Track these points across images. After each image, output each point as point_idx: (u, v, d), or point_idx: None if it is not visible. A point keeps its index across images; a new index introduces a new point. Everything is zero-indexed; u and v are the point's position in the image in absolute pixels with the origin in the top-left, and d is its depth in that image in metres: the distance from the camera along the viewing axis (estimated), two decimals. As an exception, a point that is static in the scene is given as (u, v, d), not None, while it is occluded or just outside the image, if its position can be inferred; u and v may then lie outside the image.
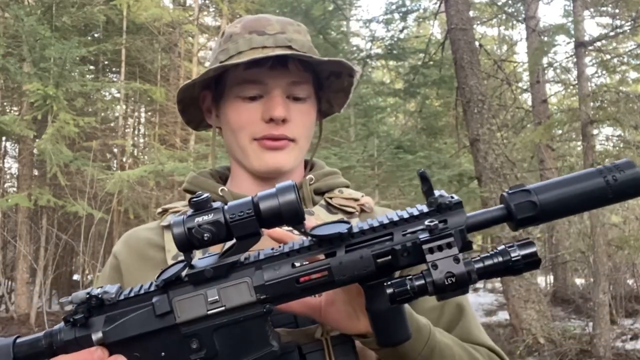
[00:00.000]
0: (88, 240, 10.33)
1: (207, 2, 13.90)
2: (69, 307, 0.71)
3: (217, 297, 0.67)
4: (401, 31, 9.35)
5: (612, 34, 9.88)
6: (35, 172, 11.54)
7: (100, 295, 0.68)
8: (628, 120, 7.60)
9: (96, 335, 0.68)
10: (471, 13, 9.51)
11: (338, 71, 1.02)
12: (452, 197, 0.66)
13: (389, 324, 0.69)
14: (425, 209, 0.66)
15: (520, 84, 12.76)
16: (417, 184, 7.37)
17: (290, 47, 0.96)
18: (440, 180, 7.36)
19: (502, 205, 0.66)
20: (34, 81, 8.97)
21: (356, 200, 1.02)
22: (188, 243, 0.66)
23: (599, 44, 9.81)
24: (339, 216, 1.00)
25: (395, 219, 0.66)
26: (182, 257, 0.92)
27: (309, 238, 0.68)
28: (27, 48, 9.52)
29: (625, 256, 9.47)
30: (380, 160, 7.72)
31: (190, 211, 0.67)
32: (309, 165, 1.10)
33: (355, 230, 0.66)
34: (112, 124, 13.76)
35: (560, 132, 11.04)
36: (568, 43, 11.82)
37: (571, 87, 12.19)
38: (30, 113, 9.44)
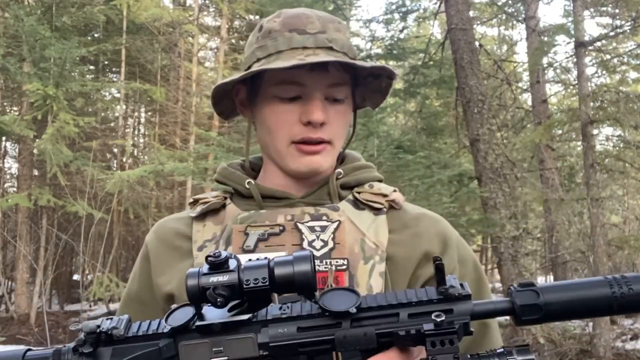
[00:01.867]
0: (88, 240, 10.34)
1: (207, 2, 13.90)
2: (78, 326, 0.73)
3: (221, 348, 0.69)
4: (401, 31, 9.34)
5: (612, 34, 9.88)
6: (35, 172, 11.54)
7: (109, 331, 0.71)
8: (628, 120, 7.60)
9: None
10: (471, 13, 9.52)
11: (377, 73, 1.01)
12: (462, 288, 0.68)
13: None
14: (434, 295, 0.68)
15: (520, 84, 12.76)
16: (417, 184, 7.37)
17: (331, 48, 0.96)
18: (440, 180, 7.36)
19: (508, 299, 0.68)
20: (34, 81, 8.97)
21: (385, 196, 1.00)
22: (199, 298, 0.68)
23: (599, 44, 9.80)
24: (366, 212, 0.98)
25: (404, 300, 0.68)
26: (206, 252, 0.95)
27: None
28: (27, 48, 9.53)
29: (625, 256, 9.47)
30: (380, 160, 7.71)
31: (206, 267, 0.69)
32: (339, 158, 1.08)
33: (363, 305, 0.68)
34: (112, 124, 13.76)
35: (560, 132, 11.03)
36: (568, 43, 11.82)
37: (571, 87, 12.19)
38: (30, 113, 9.44)
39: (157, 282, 1.01)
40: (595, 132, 8.55)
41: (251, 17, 12.72)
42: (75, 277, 13.30)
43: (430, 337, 0.63)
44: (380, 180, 1.06)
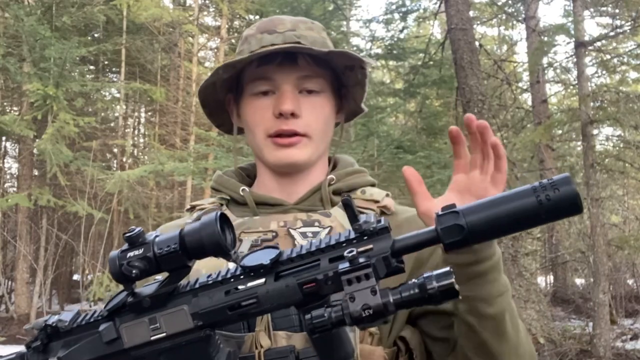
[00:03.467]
0: (88, 240, 10.34)
1: (207, 2, 13.90)
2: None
3: (158, 325, 0.71)
4: (401, 31, 9.35)
5: (612, 34, 9.88)
6: (35, 172, 11.54)
7: (55, 324, 0.74)
8: (628, 120, 7.60)
9: None
10: (471, 13, 9.51)
11: (350, 64, 1.02)
12: (378, 222, 0.65)
13: (328, 344, 0.70)
14: (352, 234, 0.66)
15: (520, 84, 12.75)
16: (417, 184, 7.37)
17: (299, 43, 0.97)
18: (441, 180, 7.36)
19: (432, 228, 0.65)
20: (34, 81, 8.97)
21: (376, 202, 1.02)
22: (122, 277, 0.69)
23: (599, 44, 9.80)
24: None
25: (323, 245, 0.67)
26: (202, 259, 0.97)
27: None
28: (27, 48, 9.53)
29: (625, 256, 9.47)
30: (380, 160, 7.72)
31: (125, 245, 0.70)
32: (332, 163, 1.10)
33: (284, 257, 0.68)
34: (112, 124, 13.76)
35: (560, 132, 11.03)
36: (568, 43, 11.82)
37: (571, 87, 12.19)
38: (30, 113, 9.44)
39: None
40: (595, 132, 8.55)
41: (251, 17, 12.72)
42: (75, 277, 13.31)
43: (344, 275, 0.61)
44: (373, 185, 1.07)
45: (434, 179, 7.23)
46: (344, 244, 0.66)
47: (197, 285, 0.72)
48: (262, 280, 0.67)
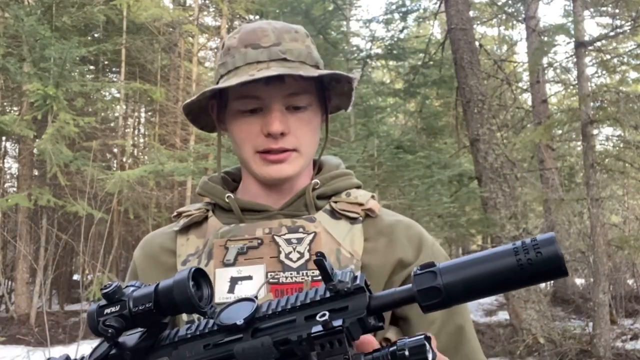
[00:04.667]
0: (88, 240, 10.33)
1: (207, 2, 13.90)
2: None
3: None
4: (401, 31, 9.34)
5: (612, 34, 9.88)
6: (35, 172, 11.54)
7: None
8: (628, 120, 7.60)
9: None
10: (471, 13, 9.52)
11: (337, 77, 1.02)
12: (354, 279, 0.64)
13: None
14: (327, 293, 0.65)
15: (520, 84, 12.76)
16: (417, 184, 7.37)
17: (285, 60, 0.97)
18: (440, 180, 7.36)
19: (409, 287, 0.63)
20: (34, 81, 8.97)
21: (361, 205, 1.02)
22: (100, 334, 0.71)
23: (599, 44, 9.80)
24: (342, 222, 1.01)
25: (298, 303, 0.67)
26: (190, 262, 1.00)
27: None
28: (27, 48, 9.52)
29: (625, 256, 9.47)
30: (380, 160, 7.72)
31: (103, 301, 0.72)
32: (317, 166, 1.10)
33: (260, 313, 0.68)
34: (112, 124, 13.76)
35: (560, 132, 11.03)
36: (568, 43, 11.83)
37: (571, 87, 12.19)
38: (30, 113, 9.44)
39: None
40: (595, 132, 8.55)
41: (251, 17, 12.72)
42: (75, 277, 13.30)
43: (317, 339, 0.61)
44: (359, 187, 1.07)
45: (434, 179, 7.23)
46: (320, 303, 0.65)
47: (176, 339, 0.72)
48: (239, 336, 0.68)
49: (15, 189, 11.92)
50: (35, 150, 10.42)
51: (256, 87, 0.97)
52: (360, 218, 1.01)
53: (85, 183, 9.89)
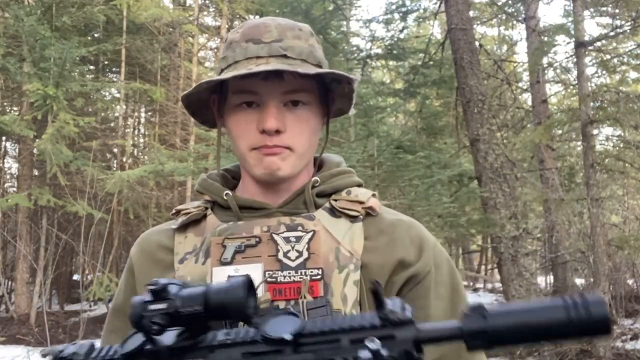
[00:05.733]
0: (88, 240, 10.33)
1: (207, 2, 13.90)
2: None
3: None
4: (401, 31, 9.35)
5: (612, 34, 9.88)
6: (35, 172, 11.54)
7: (69, 357, 0.74)
8: (628, 120, 7.60)
9: None
10: (471, 13, 9.51)
11: (338, 78, 1.01)
12: (404, 310, 0.65)
13: None
14: (376, 320, 0.66)
15: (520, 84, 12.76)
16: (417, 184, 7.37)
17: (285, 56, 0.96)
18: (440, 180, 7.36)
19: (457, 325, 0.65)
20: (34, 81, 8.96)
21: (362, 203, 1.01)
22: (141, 328, 0.71)
23: (599, 44, 9.81)
24: (342, 220, 1.00)
25: (346, 326, 0.67)
26: (187, 265, 0.99)
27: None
28: (27, 48, 9.52)
29: (625, 256, 9.46)
30: (380, 160, 7.72)
31: (149, 296, 0.71)
32: (317, 164, 1.09)
33: (305, 331, 0.68)
34: (112, 124, 13.76)
35: (560, 132, 11.03)
36: (568, 43, 11.83)
37: (571, 87, 12.19)
38: (30, 113, 9.44)
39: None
40: (595, 132, 8.56)
41: (251, 17, 12.72)
42: (75, 277, 13.30)
43: None
44: (360, 185, 1.06)
45: (434, 179, 7.23)
46: (367, 328, 0.66)
47: (214, 342, 0.72)
48: (281, 348, 0.68)
49: (15, 189, 11.92)
50: (35, 150, 10.42)
51: (254, 82, 0.96)
52: (361, 216, 1.00)
53: (85, 183, 9.90)
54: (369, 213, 1.01)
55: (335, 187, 1.04)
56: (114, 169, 12.06)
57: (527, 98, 12.96)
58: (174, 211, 1.08)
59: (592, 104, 7.75)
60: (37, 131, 9.78)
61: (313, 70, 0.96)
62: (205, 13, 14.04)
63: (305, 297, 0.91)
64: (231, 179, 1.11)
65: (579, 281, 11.99)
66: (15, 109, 12.21)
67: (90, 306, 10.95)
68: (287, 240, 0.96)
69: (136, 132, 15.12)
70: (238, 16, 13.06)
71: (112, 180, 9.30)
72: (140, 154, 14.39)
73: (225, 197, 1.03)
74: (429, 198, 7.22)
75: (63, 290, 12.57)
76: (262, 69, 0.92)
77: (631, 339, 8.09)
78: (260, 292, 0.93)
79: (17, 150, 12.48)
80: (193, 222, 1.04)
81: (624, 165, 8.94)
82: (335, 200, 1.02)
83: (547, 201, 9.28)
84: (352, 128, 8.27)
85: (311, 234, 0.96)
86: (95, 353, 0.75)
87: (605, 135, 10.69)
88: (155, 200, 11.78)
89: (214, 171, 1.12)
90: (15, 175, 12.72)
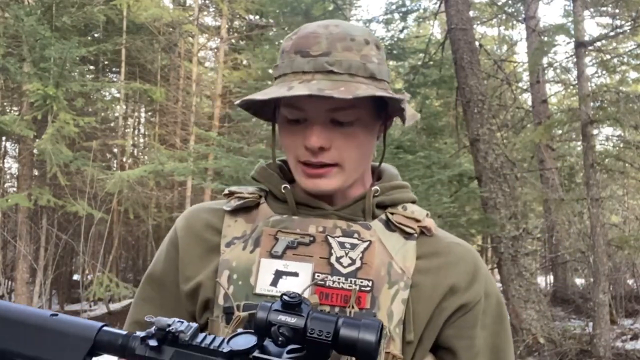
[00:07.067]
0: (88, 240, 10.34)
1: (207, 2, 13.90)
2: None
3: None
4: (401, 31, 9.34)
5: (612, 34, 9.87)
6: (35, 172, 11.54)
7: (177, 333, 0.73)
8: (628, 120, 7.60)
9: None
10: (471, 13, 9.51)
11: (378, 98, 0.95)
12: None
13: None
14: None
15: (520, 84, 12.76)
16: (417, 184, 7.37)
17: (331, 72, 0.91)
18: (440, 180, 7.35)
19: None
20: (34, 81, 8.96)
21: (418, 221, 0.99)
22: (265, 333, 0.71)
23: (599, 44, 9.80)
24: (396, 235, 0.97)
25: None
26: (233, 249, 0.98)
27: None
28: (27, 48, 9.52)
29: (625, 256, 9.47)
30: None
31: (279, 303, 0.72)
32: (376, 173, 1.05)
33: None
34: (112, 124, 13.76)
35: (560, 132, 11.03)
36: (568, 43, 11.83)
37: (571, 87, 12.19)
38: (30, 113, 9.44)
39: (184, 274, 1.01)
40: (595, 132, 8.55)
41: (251, 17, 12.72)
42: (75, 277, 13.30)
43: None
44: (414, 202, 1.04)
45: (434, 179, 7.23)
46: None
47: None
48: None
49: (15, 189, 11.91)
50: (35, 150, 10.41)
51: (300, 99, 0.92)
52: (415, 234, 0.98)
53: (85, 183, 9.91)
54: (423, 232, 0.99)
55: (393, 200, 1.01)
56: (114, 169, 12.07)
57: (527, 98, 12.97)
58: (226, 191, 1.05)
59: (592, 104, 7.74)
60: (37, 131, 9.78)
61: (353, 90, 0.90)
62: (205, 13, 14.04)
63: (352, 307, 0.89)
64: (288, 172, 1.05)
65: (579, 281, 11.99)
66: (15, 109, 12.21)
67: (90, 306, 10.95)
68: (341, 245, 0.94)
69: (136, 132, 15.13)
70: (238, 16, 13.07)
71: (112, 180, 9.31)
72: (140, 154, 14.40)
73: (283, 190, 1.00)
74: (429, 198, 7.22)
75: (63, 290, 12.57)
76: (296, 93, 0.88)
77: (631, 339, 8.09)
78: (307, 293, 0.91)
79: (17, 150, 12.47)
80: (245, 208, 1.01)
81: (624, 165, 8.93)
82: (392, 213, 0.99)
83: (547, 201, 9.28)
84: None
85: (367, 243, 0.94)
86: (200, 338, 0.75)
87: (605, 135, 10.70)
88: (155, 200, 11.78)
89: (271, 162, 1.09)
90: (15, 175, 12.72)
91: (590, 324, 7.46)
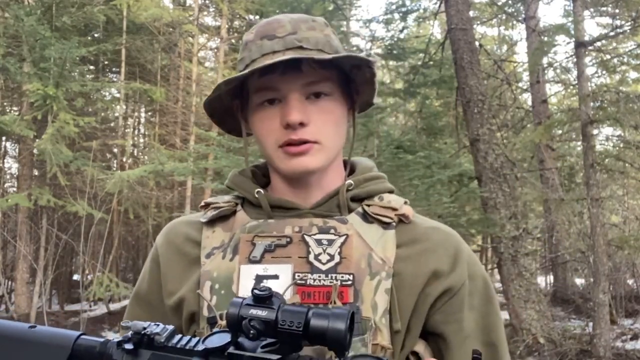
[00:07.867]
0: (88, 240, 10.33)
1: (207, 2, 13.90)
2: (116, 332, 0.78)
3: None
4: (401, 31, 9.34)
5: (612, 34, 9.87)
6: (35, 172, 11.54)
7: (152, 336, 0.75)
8: (628, 120, 7.59)
9: None
10: (471, 13, 9.51)
11: (357, 64, 0.98)
12: None
13: None
14: None
15: (520, 84, 12.76)
16: (417, 184, 7.37)
17: (301, 47, 0.94)
18: (440, 180, 7.35)
19: None
20: (34, 81, 8.96)
21: (395, 209, 0.98)
22: (238, 328, 0.71)
23: (599, 44, 9.80)
24: (375, 226, 0.97)
25: None
26: (213, 260, 0.98)
27: None
28: (27, 48, 9.52)
29: (625, 256, 9.46)
30: (380, 160, 7.71)
31: (250, 298, 0.72)
32: (348, 167, 1.06)
33: None
34: (112, 124, 13.76)
35: (560, 132, 11.03)
36: (568, 43, 11.83)
37: (571, 87, 12.19)
38: (30, 113, 9.44)
39: (167, 289, 1.02)
40: (595, 132, 8.55)
41: (251, 17, 12.71)
42: (75, 277, 13.30)
43: None
44: (391, 192, 1.04)
45: (434, 179, 7.22)
46: None
47: None
48: None
49: (15, 189, 11.91)
50: (35, 150, 10.41)
51: (273, 78, 0.94)
52: (394, 223, 0.97)
53: (85, 183, 9.90)
54: (402, 220, 0.99)
55: (368, 192, 1.01)
56: (114, 169, 12.07)
57: (527, 98, 12.97)
58: (203, 203, 1.05)
59: (592, 104, 7.74)
60: (37, 131, 9.77)
61: (327, 55, 0.93)
62: (205, 13, 14.04)
63: (334, 303, 0.89)
64: (262, 176, 1.08)
65: (579, 281, 11.99)
66: (15, 109, 12.21)
67: (90, 306, 10.94)
68: (318, 242, 0.94)
69: (136, 132, 15.13)
70: (238, 16, 13.07)
71: (112, 180, 9.31)
72: (140, 154, 14.40)
73: (256, 195, 1.01)
74: (429, 198, 7.22)
75: (63, 290, 12.57)
76: (278, 59, 0.90)
77: (631, 339, 8.09)
78: (288, 294, 0.91)
79: (17, 150, 12.47)
80: (222, 217, 1.02)
81: (624, 165, 8.93)
82: (368, 205, 0.99)
83: (547, 201, 9.27)
84: (352, 128, 8.27)
85: (344, 237, 0.94)
86: (175, 339, 0.76)
87: (605, 135, 10.69)
88: (155, 200, 11.78)
89: (244, 169, 1.10)
90: (15, 175, 12.72)
91: (590, 324, 7.46)
